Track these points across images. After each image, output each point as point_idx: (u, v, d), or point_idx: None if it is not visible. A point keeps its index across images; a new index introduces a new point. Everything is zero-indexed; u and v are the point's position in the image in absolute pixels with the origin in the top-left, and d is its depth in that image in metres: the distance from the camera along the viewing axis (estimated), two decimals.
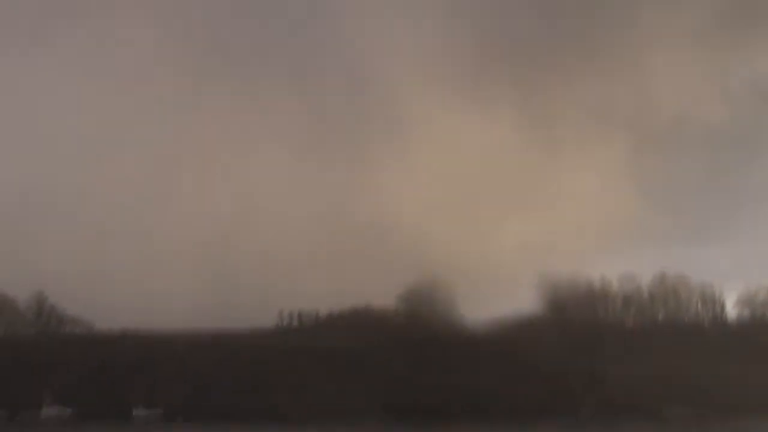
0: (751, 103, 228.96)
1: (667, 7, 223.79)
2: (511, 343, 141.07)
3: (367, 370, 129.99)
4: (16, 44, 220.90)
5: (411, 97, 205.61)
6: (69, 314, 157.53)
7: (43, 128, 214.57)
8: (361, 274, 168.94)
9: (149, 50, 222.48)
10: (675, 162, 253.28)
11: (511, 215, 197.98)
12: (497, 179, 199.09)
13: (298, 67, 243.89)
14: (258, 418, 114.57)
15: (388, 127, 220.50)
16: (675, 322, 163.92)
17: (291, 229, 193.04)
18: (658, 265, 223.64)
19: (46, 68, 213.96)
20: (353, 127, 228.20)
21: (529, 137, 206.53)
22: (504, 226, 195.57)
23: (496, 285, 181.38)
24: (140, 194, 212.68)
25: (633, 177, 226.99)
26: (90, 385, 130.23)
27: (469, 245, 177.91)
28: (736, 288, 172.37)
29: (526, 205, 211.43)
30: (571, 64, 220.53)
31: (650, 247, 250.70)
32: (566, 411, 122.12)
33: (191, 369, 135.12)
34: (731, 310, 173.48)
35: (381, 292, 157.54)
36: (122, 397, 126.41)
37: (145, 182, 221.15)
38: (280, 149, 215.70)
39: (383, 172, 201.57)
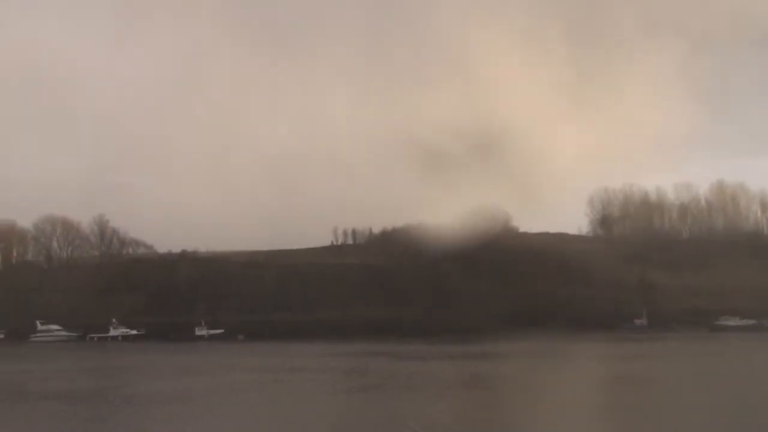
0: None
1: None
2: (566, 255, 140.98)
3: (418, 285, 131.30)
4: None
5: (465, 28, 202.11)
6: (130, 237, 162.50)
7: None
8: (414, 192, 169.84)
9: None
10: (730, 66, 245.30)
11: (566, 129, 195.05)
12: (551, 95, 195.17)
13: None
14: (312, 334, 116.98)
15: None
16: (733, 230, 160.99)
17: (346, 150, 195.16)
18: (715, 174, 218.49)
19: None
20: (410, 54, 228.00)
21: (581, 53, 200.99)
22: (559, 140, 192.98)
23: (552, 197, 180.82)
24: (205, 121, 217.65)
25: (687, 84, 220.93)
26: (153, 306, 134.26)
27: (525, 160, 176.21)
28: None
29: (580, 119, 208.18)
30: None
31: (707, 157, 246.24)
32: (621, 321, 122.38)
33: (250, 288, 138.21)
34: None
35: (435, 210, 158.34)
36: (184, 317, 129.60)
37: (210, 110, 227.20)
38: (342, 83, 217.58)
39: (439, 94, 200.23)
